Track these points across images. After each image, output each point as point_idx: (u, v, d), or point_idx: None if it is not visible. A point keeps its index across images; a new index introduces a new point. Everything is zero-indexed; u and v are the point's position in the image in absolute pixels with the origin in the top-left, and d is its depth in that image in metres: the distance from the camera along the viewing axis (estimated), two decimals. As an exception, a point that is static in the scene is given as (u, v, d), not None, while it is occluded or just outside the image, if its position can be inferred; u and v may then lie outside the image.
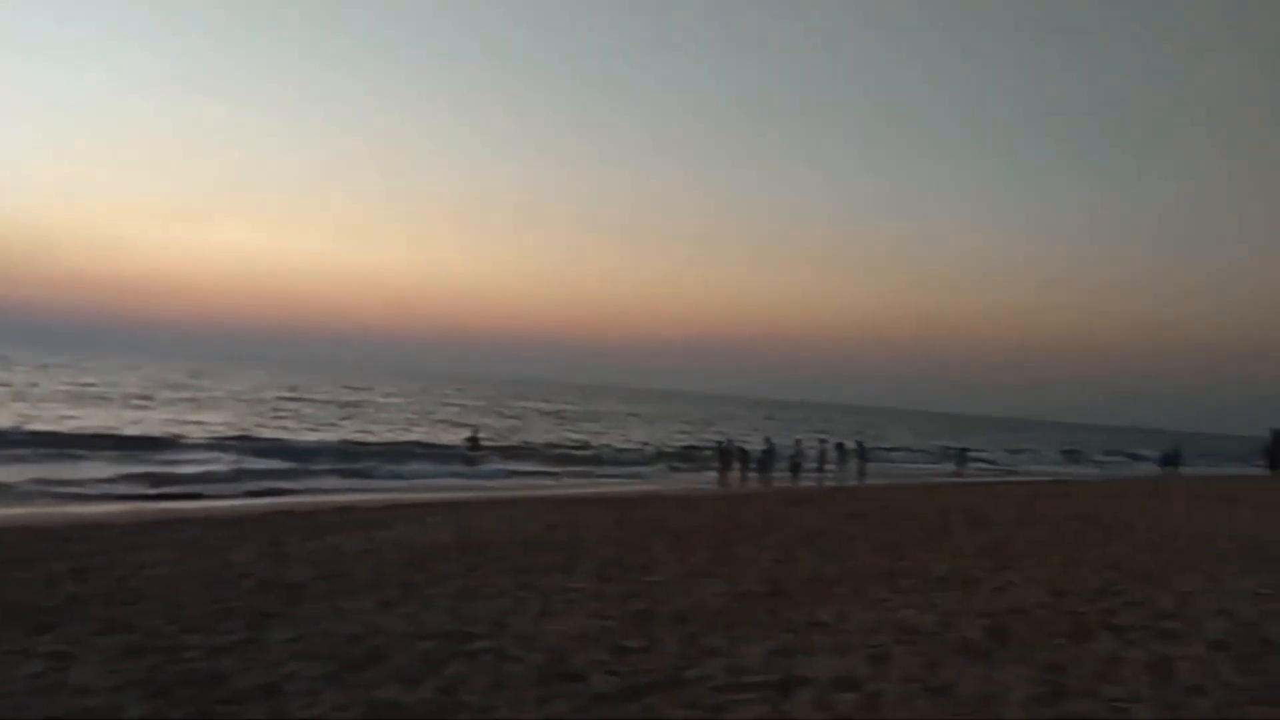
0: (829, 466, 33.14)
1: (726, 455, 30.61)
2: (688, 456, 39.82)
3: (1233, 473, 43.31)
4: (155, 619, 6.74)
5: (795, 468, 31.45)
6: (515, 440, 43.35)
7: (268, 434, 35.89)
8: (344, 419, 50.72)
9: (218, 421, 40.30)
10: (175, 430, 34.12)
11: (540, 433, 51.41)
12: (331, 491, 21.86)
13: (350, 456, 30.10)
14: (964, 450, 43.96)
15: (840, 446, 35.21)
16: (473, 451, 32.28)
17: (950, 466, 41.79)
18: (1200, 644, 6.52)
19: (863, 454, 34.90)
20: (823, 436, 37.50)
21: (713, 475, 30.75)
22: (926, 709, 4.88)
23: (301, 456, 28.60)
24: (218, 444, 30.53)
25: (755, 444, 33.65)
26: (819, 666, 5.68)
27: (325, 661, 5.63)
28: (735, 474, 30.11)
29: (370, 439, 37.66)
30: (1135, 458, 61.96)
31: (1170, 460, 44.35)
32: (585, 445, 43.88)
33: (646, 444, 48.68)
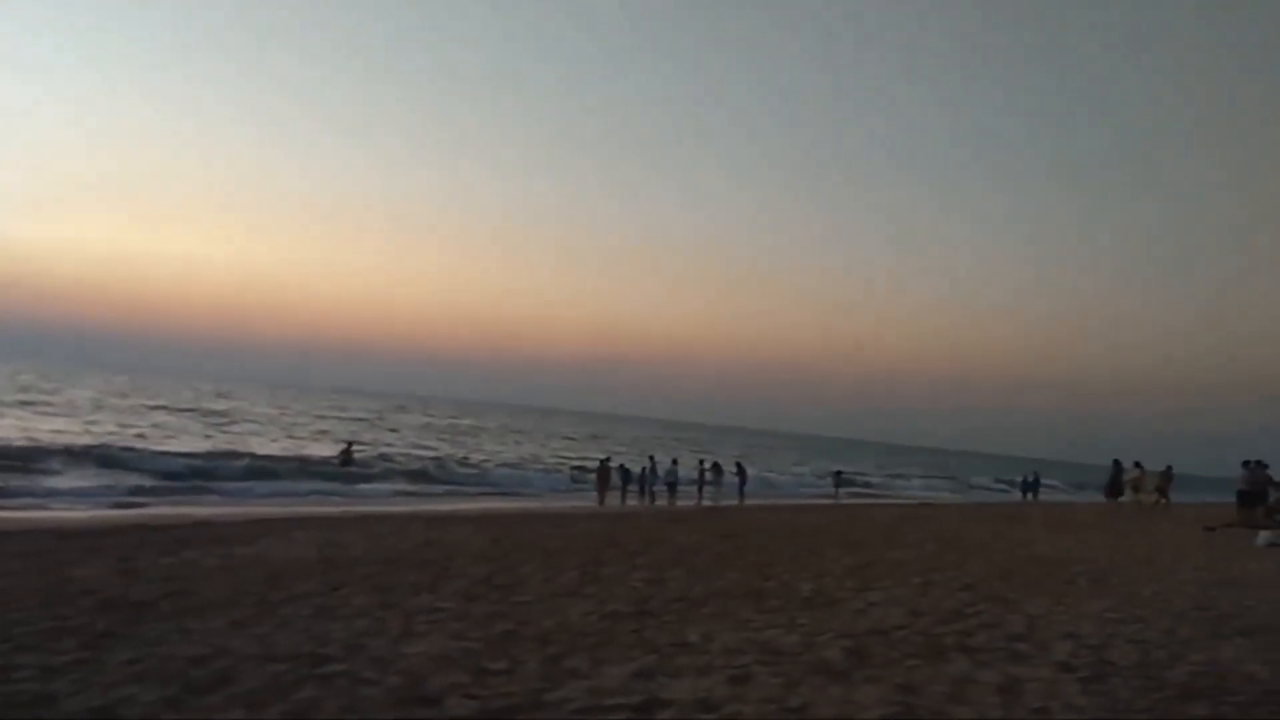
0: (708, 487, 33.53)
1: (606, 474, 30.60)
2: (573, 476, 39.66)
3: (1088, 500, 45.60)
4: (-18, 638, 6.30)
5: (672, 487, 31.71)
6: (392, 455, 42.41)
7: (125, 444, 34.12)
8: (213, 429, 48.75)
9: (75, 429, 38.18)
10: (24, 438, 32.11)
11: (418, 448, 50.43)
12: (194, 505, 20.93)
13: (214, 469, 28.88)
14: (839, 473, 45.01)
15: (717, 467, 35.65)
16: (346, 466, 31.43)
17: (828, 488, 42.79)
18: (1048, 665, 6.78)
19: (741, 475, 35.38)
20: (702, 457, 37.89)
21: (592, 494, 30.71)
22: (782, 730, 4.93)
23: (163, 468, 27.32)
24: (74, 453, 28.84)
25: (637, 463, 33.79)
26: (680, 689, 5.68)
27: (165, 685, 5.35)
28: (615, 493, 30.12)
29: (238, 450, 36.27)
30: (1009, 484, 64.18)
31: (1030, 487, 46.28)
32: (466, 460, 43.25)
33: (528, 461, 48.34)
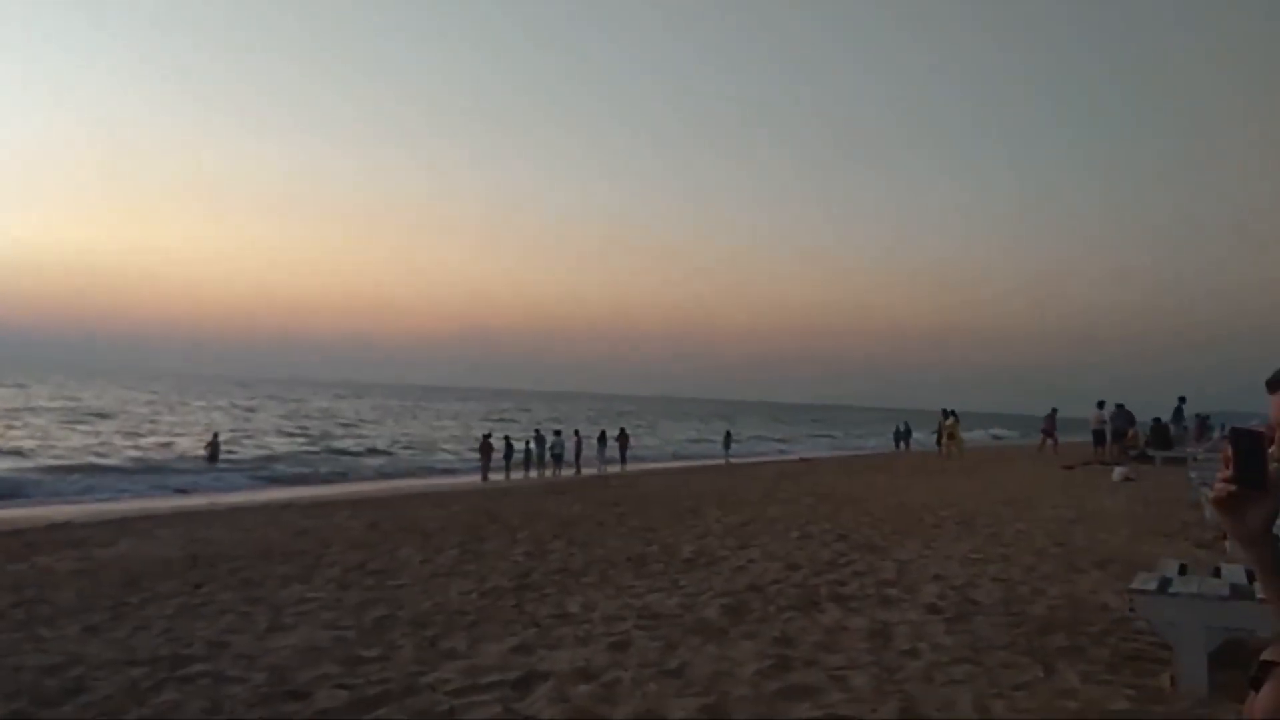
0: (590, 456, 33.59)
1: (488, 449, 30.29)
2: (457, 453, 39.12)
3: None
4: None
5: (557, 459, 31.64)
6: (262, 443, 41.05)
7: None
8: (69, 423, 46.26)
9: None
10: None
11: (287, 434, 48.97)
12: (48, 505, 19.82)
13: (70, 465, 27.42)
14: (728, 434, 45.76)
15: (602, 435, 35.73)
16: (212, 458, 30.23)
17: (719, 451, 43.44)
18: (916, 608, 7.03)
19: (623, 442, 35.51)
20: (578, 428, 37.84)
21: (475, 470, 30.38)
22: (660, 692, 4.95)
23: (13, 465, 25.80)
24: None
25: (521, 437, 33.56)
26: (559, 659, 5.65)
27: (12, 699, 5.02)
28: (498, 468, 29.87)
29: (95, 444, 34.53)
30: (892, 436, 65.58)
31: (902, 437, 48.01)
32: (344, 450, 42.12)
33: (407, 439, 47.52)
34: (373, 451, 40.67)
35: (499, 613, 7.18)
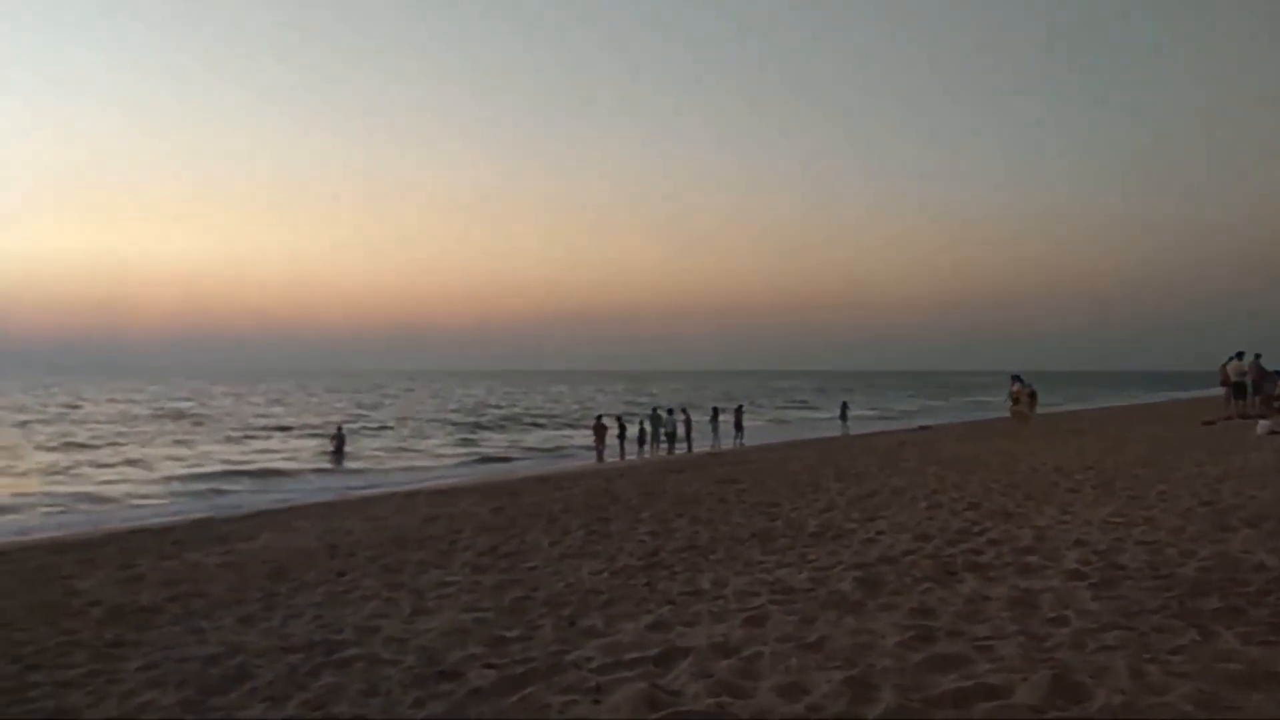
0: (706, 434, 33.58)
1: (602, 430, 30.57)
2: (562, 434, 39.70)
3: (1092, 407, 45.89)
4: (-7, 660, 6.22)
5: (671, 438, 31.77)
6: (386, 435, 42.39)
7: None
8: (178, 424, 48.57)
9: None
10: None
11: (402, 424, 50.39)
12: (189, 504, 20.85)
13: (209, 470, 28.78)
14: (845, 405, 45.16)
15: (714, 413, 35.65)
16: (338, 453, 31.29)
17: (834, 422, 42.97)
18: (1059, 575, 6.81)
19: (739, 418, 35.34)
20: (684, 405, 37.79)
21: (590, 452, 30.73)
22: (801, 666, 4.92)
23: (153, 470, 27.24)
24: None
25: (633, 418, 33.80)
26: (697, 635, 5.68)
27: (182, 687, 5.30)
28: (612, 449, 30.14)
29: (226, 445, 36.19)
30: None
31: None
32: (474, 428, 43.08)
33: (520, 416, 48.38)
34: (497, 435, 41.55)
35: (631, 591, 7.25)
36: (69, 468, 28.21)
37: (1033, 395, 30.77)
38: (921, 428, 35.95)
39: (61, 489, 23.13)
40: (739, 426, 34.70)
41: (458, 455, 34.05)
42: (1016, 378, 31.05)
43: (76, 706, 5.10)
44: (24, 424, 46.89)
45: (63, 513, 19.27)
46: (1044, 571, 6.99)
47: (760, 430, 41.33)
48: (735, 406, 36.88)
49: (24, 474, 26.50)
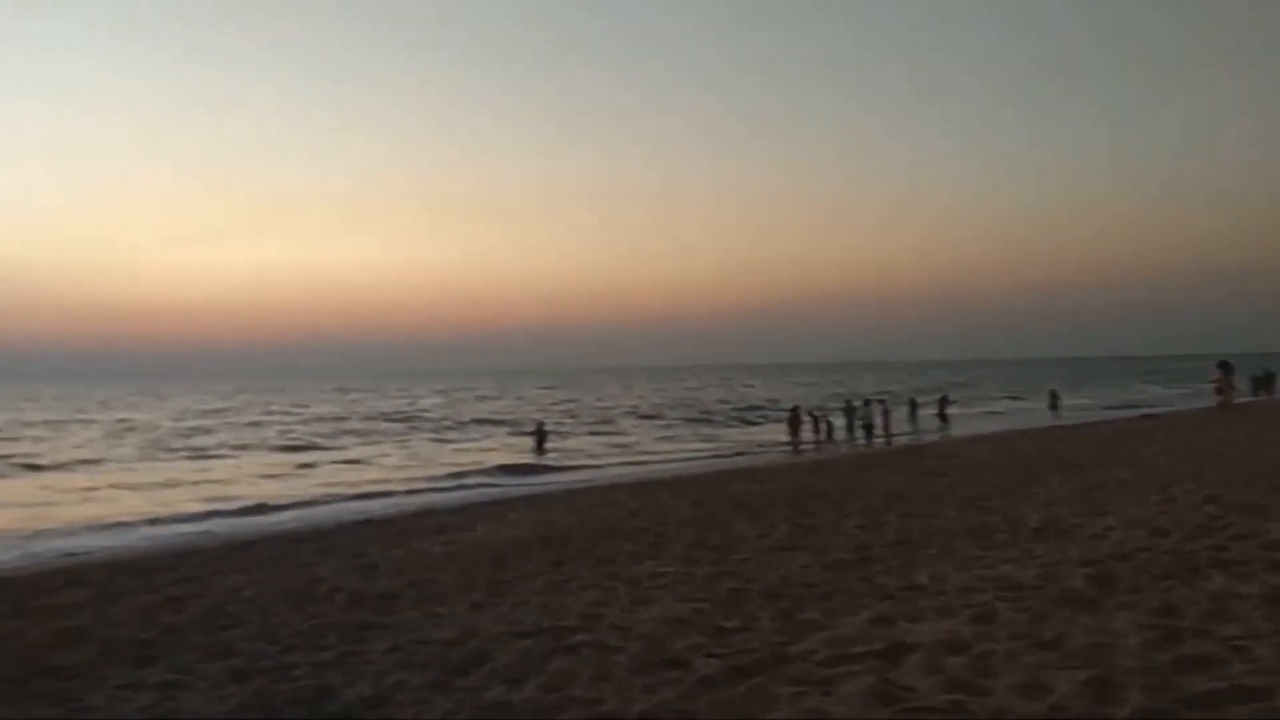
0: (904, 425, 32.74)
1: (797, 420, 30.30)
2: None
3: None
4: (255, 641, 6.83)
5: (867, 429, 31.10)
6: (575, 429, 43.56)
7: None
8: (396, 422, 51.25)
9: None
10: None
11: (599, 419, 51.53)
12: (406, 496, 22.08)
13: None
14: (1054, 392, 43.11)
15: (912, 404, 34.71)
16: (539, 447, 32.40)
17: (1043, 412, 41.12)
18: (1316, 572, 6.28)
19: (943, 407, 34.22)
20: (882, 396, 36.90)
21: (784, 444, 30.53)
22: (1039, 665, 4.75)
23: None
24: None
25: (824, 408, 33.38)
26: (922, 631, 5.57)
27: (428, 669, 5.67)
28: (807, 440, 29.84)
29: (442, 443, 38.12)
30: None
31: (1262, 385, 42.69)
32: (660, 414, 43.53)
33: (719, 409, 48.59)
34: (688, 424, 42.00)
35: (846, 584, 7.19)
36: (305, 465, 30.43)
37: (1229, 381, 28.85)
38: (1145, 416, 33.70)
39: (302, 483, 24.95)
40: (943, 417, 33.61)
41: (657, 450, 34.60)
42: (1222, 364, 28.99)
43: (335, 685, 5.53)
44: (254, 425, 50.93)
45: (300, 505, 20.76)
46: (1302, 570, 6.45)
47: (966, 420, 39.85)
48: (940, 397, 35.76)
49: (271, 475, 28.76)
